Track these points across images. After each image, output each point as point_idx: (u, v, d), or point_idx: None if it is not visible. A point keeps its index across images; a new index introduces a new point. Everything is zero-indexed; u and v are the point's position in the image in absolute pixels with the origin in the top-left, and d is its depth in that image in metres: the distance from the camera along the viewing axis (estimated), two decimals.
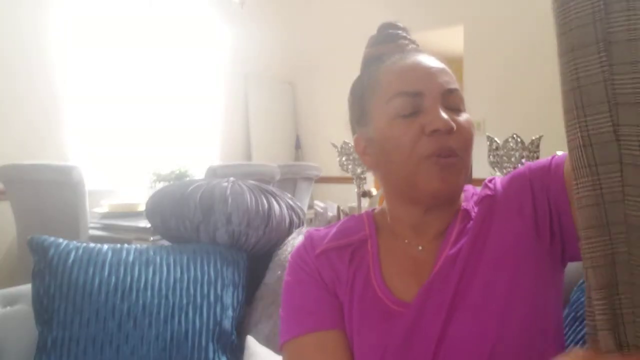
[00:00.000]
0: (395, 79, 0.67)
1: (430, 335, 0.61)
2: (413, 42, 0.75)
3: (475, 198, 0.71)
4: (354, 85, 0.76)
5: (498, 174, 1.42)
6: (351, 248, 0.72)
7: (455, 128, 0.63)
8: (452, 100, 0.66)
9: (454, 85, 0.67)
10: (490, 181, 0.72)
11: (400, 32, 0.75)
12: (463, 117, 0.66)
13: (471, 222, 0.68)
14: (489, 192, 0.69)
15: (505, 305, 0.61)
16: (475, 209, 0.69)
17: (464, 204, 0.70)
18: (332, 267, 0.71)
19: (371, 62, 0.74)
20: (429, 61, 0.68)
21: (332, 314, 0.68)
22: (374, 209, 0.79)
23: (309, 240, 0.76)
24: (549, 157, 0.67)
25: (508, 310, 0.60)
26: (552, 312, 0.63)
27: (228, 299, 1.20)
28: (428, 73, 0.66)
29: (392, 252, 0.71)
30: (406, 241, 0.70)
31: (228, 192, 1.30)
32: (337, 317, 0.68)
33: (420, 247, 0.69)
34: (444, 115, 0.63)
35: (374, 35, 0.77)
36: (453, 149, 0.63)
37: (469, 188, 0.74)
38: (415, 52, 0.70)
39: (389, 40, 0.74)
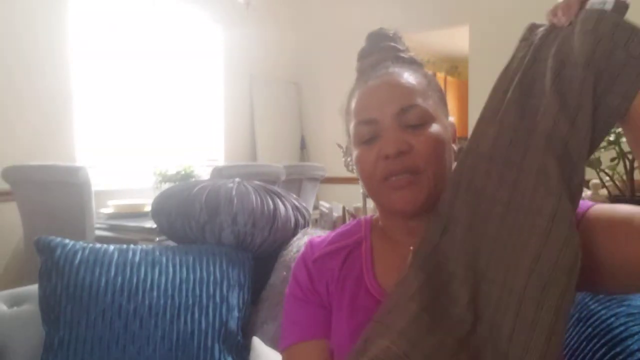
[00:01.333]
0: (356, 108, 0.72)
1: None
2: (401, 49, 0.77)
3: None
4: (350, 91, 0.79)
5: None
6: (346, 250, 0.77)
7: (407, 149, 0.66)
8: (410, 117, 0.68)
9: (411, 101, 0.68)
10: None
11: (388, 42, 0.77)
12: (423, 132, 0.67)
13: None
14: None
15: None
16: None
17: None
18: (326, 272, 0.76)
19: (358, 77, 0.78)
20: (388, 81, 0.70)
21: (320, 325, 0.74)
22: (372, 216, 0.83)
23: (309, 248, 0.81)
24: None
25: None
26: None
27: (234, 300, 1.20)
28: (381, 98, 0.69)
29: (385, 252, 0.74)
30: (400, 242, 0.73)
31: (234, 192, 1.31)
32: (324, 328, 0.74)
33: (412, 247, 0.69)
34: (394, 139, 0.66)
35: (363, 48, 0.80)
36: (408, 168, 0.66)
37: None
38: (382, 71, 0.72)
39: (376, 52, 0.77)
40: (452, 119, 0.76)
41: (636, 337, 0.66)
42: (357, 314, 0.69)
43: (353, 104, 0.74)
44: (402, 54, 0.76)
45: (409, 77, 0.71)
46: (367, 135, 0.69)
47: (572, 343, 0.76)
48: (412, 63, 0.76)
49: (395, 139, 0.66)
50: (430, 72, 0.78)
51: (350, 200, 2.51)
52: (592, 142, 0.53)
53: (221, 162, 4.10)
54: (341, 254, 0.76)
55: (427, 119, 0.68)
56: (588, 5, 0.54)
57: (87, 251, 1.17)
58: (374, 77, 0.72)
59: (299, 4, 4.77)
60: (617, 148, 1.15)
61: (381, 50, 0.77)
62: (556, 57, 0.55)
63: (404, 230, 0.73)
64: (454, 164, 0.69)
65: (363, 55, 0.79)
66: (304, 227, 1.41)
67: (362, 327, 0.65)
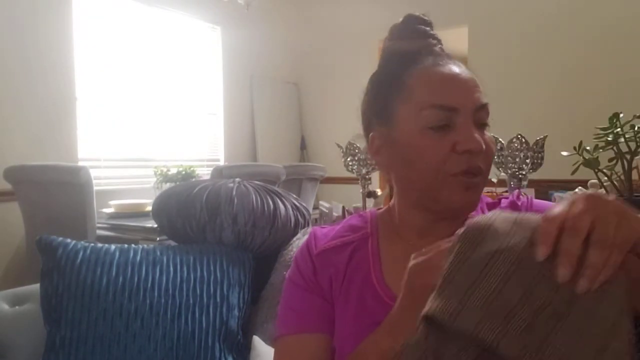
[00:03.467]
0: (430, 89, 0.65)
1: None
2: (439, 41, 0.73)
3: (486, 210, 0.71)
4: (375, 76, 0.73)
5: (502, 174, 1.42)
6: (351, 246, 0.74)
7: (483, 149, 0.64)
8: (481, 116, 0.65)
9: (485, 99, 0.66)
10: (519, 199, 0.71)
11: (428, 29, 0.73)
12: (488, 134, 0.67)
13: None
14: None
15: None
16: None
17: (473, 214, 0.69)
18: (330, 267, 0.73)
19: (396, 57, 0.71)
20: (464, 73, 0.67)
21: (320, 319, 0.71)
22: (379, 208, 0.79)
23: (312, 238, 0.78)
24: None
25: None
26: None
27: (234, 299, 1.21)
28: (464, 88, 0.65)
29: (393, 252, 0.71)
30: (410, 243, 0.70)
31: (234, 192, 1.31)
32: (324, 322, 0.71)
33: (423, 250, 0.69)
34: (477, 135, 0.63)
35: (398, 27, 0.73)
36: (480, 169, 0.64)
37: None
38: (447, 60, 0.68)
39: (415, 37, 0.71)
40: None
41: None
42: (364, 316, 0.67)
43: (417, 85, 0.66)
44: (441, 47, 0.72)
45: (473, 74, 0.68)
46: (440, 122, 0.63)
47: None
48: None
49: (477, 135, 0.63)
50: None
51: (350, 200, 2.51)
52: None
53: (222, 162, 4.11)
54: (347, 250, 0.73)
55: (488, 121, 0.67)
56: None
57: (88, 251, 1.18)
58: (439, 63, 0.67)
59: (299, 5, 4.78)
60: (615, 148, 1.16)
61: (421, 35, 0.72)
62: None
63: (422, 228, 0.70)
64: None
65: (400, 36, 0.72)
66: (304, 227, 1.42)
67: (367, 328, 0.64)
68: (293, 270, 0.77)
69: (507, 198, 0.73)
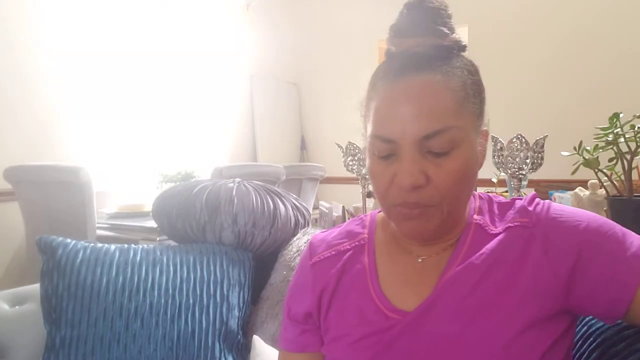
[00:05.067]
0: (376, 117, 0.62)
1: (423, 346, 0.61)
2: (444, 33, 0.63)
3: (496, 213, 0.68)
4: (376, 69, 0.68)
5: (502, 174, 1.42)
6: (346, 256, 0.73)
7: (424, 183, 0.59)
8: (433, 144, 0.59)
9: (438, 125, 0.58)
10: (531, 204, 0.66)
11: (430, 22, 0.63)
12: (446, 161, 0.59)
13: (492, 243, 0.64)
14: (525, 221, 0.64)
15: (515, 338, 0.58)
16: (499, 228, 0.65)
17: (477, 218, 0.67)
18: (323, 276, 0.73)
19: (387, 61, 0.66)
20: (416, 95, 0.59)
21: (314, 338, 0.73)
22: (380, 210, 0.78)
23: (310, 248, 0.78)
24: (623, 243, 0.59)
25: (516, 343, 0.58)
26: None
27: (234, 299, 1.21)
28: (404, 116, 0.59)
29: (391, 261, 0.70)
30: (408, 250, 0.69)
31: (234, 192, 1.31)
32: (316, 343, 0.73)
33: (420, 260, 0.68)
34: (410, 172, 0.59)
35: (399, 23, 0.65)
36: (421, 203, 0.60)
37: (482, 199, 0.71)
38: (405, 75, 0.60)
39: (411, 33, 0.63)
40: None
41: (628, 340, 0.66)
42: (364, 325, 0.66)
43: (373, 105, 0.63)
44: (443, 41, 0.63)
45: (443, 88, 0.59)
46: (383, 152, 0.62)
47: (583, 358, 0.76)
48: (453, 55, 0.63)
49: (411, 171, 0.59)
50: (470, 63, 0.66)
51: (350, 200, 2.51)
52: None
53: (221, 162, 4.11)
54: (340, 260, 0.72)
55: (454, 145, 0.59)
56: None
57: (88, 251, 1.18)
58: (402, 77, 0.60)
59: (299, 5, 4.78)
60: (615, 148, 1.15)
61: (419, 31, 0.63)
62: None
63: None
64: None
65: (396, 33, 0.65)
66: (304, 227, 1.42)
67: (366, 339, 0.64)
68: (294, 276, 0.79)
69: (520, 198, 0.68)
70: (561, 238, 0.61)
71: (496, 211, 0.69)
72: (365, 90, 0.67)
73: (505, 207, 0.69)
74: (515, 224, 0.64)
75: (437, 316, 0.62)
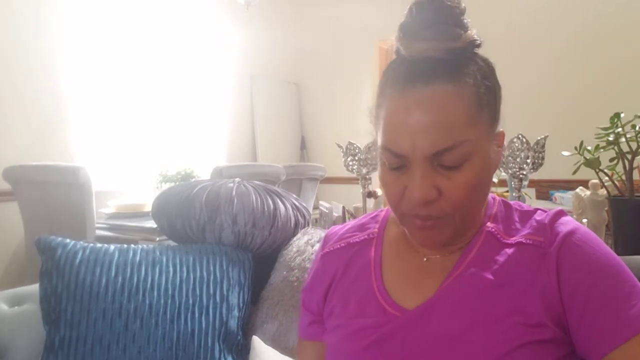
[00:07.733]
0: (386, 130, 0.60)
1: (422, 345, 0.61)
2: (456, 35, 0.59)
3: (516, 221, 0.67)
4: (384, 72, 0.65)
5: (503, 174, 1.42)
6: (354, 249, 0.74)
7: (435, 197, 0.58)
8: (445, 159, 0.58)
9: (451, 140, 0.57)
10: (553, 222, 0.63)
11: (441, 24, 0.59)
12: (459, 174, 0.58)
13: (501, 256, 0.63)
14: (540, 241, 0.62)
15: (511, 352, 0.57)
16: (513, 238, 0.64)
17: (490, 226, 0.67)
18: (332, 267, 0.75)
19: (396, 66, 0.62)
20: (428, 108, 0.57)
21: (321, 328, 0.75)
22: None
23: (323, 240, 0.81)
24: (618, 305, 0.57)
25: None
26: None
27: (234, 299, 1.20)
28: (415, 130, 0.57)
29: (397, 257, 0.71)
30: (412, 248, 0.70)
31: (234, 192, 1.31)
32: (325, 331, 0.74)
33: (425, 259, 0.68)
34: (421, 186, 0.58)
35: (409, 23, 0.60)
36: (432, 215, 0.60)
37: (497, 204, 0.70)
38: (421, 85, 0.57)
39: (420, 37, 0.59)
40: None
41: None
42: (362, 320, 0.66)
43: (382, 114, 0.61)
44: (457, 43, 0.59)
45: (455, 99, 0.57)
46: (394, 164, 0.61)
47: None
48: (466, 58, 0.60)
49: (422, 187, 0.58)
50: (485, 64, 0.62)
51: (350, 200, 2.51)
52: None
53: (221, 162, 4.10)
54: (349, 252, 0.74)
55: (465, 157, 0.58)
56: None
57: (87, 251, 1.18)
58: (411, 87, 0.57)
59: (299, 4, 4.78)
60: (616, 148, 1.15)
61: (429, 33, 0.58)
62: None
63: None
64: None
65: (406, 34, 0.60)
66: (304, 227, 1.42)
67: (362, 331, 0.65)
68: (310, 270, 0.81)
69: (545, 211, 0.66)
70: (575, 269, 0.59)
71: (516, 219, 0.67)
72: (375, 94, 0.65)
73: (526, 216, 0.67)
74: (529, 241, 0.63)
75: (436, 318, 0.62)
